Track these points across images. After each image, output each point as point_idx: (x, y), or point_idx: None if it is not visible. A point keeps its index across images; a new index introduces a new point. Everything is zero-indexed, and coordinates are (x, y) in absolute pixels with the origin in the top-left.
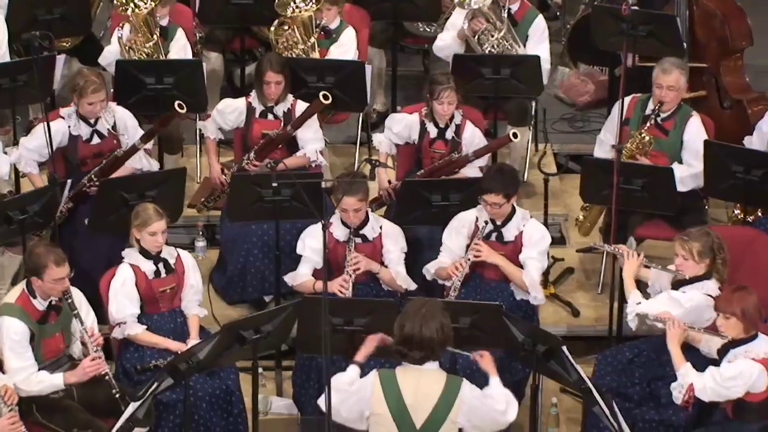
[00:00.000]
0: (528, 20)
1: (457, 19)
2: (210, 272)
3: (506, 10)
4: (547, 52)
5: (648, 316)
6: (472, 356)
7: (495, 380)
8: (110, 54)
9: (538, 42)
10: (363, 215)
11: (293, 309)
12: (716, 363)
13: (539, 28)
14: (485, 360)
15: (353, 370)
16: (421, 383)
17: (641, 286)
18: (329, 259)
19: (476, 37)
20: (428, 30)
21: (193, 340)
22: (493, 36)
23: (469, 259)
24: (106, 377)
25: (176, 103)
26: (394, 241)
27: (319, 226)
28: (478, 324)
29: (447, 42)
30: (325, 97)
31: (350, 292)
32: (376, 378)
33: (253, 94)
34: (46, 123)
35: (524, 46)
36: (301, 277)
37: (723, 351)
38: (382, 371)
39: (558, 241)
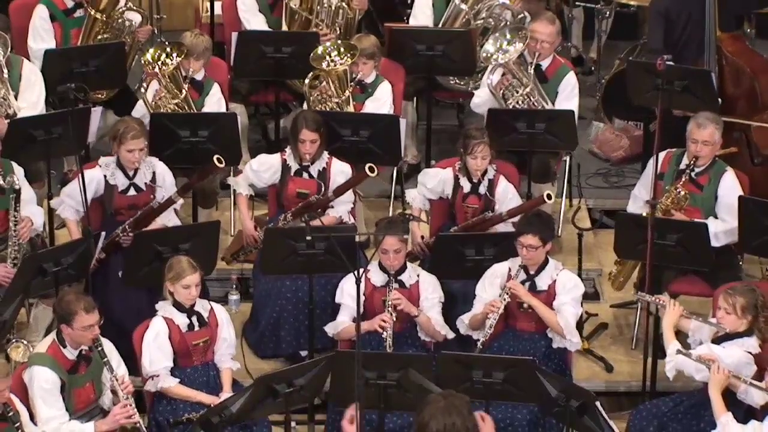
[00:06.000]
0: (559, 77)
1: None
2: (243, 326)
3: (533, 66)
4: (575, 109)
5: (692, 356)
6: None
7: None
8: (142, 107)
9: (567, 98)
10: (403, 258)
11: (326, 363)
12: (753, 410)
13: (569, 84)
14: (486, 426)
15: None
16: None
17: (680, 337)
18: (366, 307)
19: (501, 92)
20: (460, 84)
21: (226, 393)
22: (518, 92)
23: (504, 299)
24: (137, 425)
25: (215, 157)
26: (431, 288)
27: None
28: (512, 379)
29: (483, 99)
30: (371, 170)
31: (391, 329)
32: None
33: (288, 150)
34: (80, 175)
35: (553, 102)
36: (341, 324)
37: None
38: None
39: (592, 296)
